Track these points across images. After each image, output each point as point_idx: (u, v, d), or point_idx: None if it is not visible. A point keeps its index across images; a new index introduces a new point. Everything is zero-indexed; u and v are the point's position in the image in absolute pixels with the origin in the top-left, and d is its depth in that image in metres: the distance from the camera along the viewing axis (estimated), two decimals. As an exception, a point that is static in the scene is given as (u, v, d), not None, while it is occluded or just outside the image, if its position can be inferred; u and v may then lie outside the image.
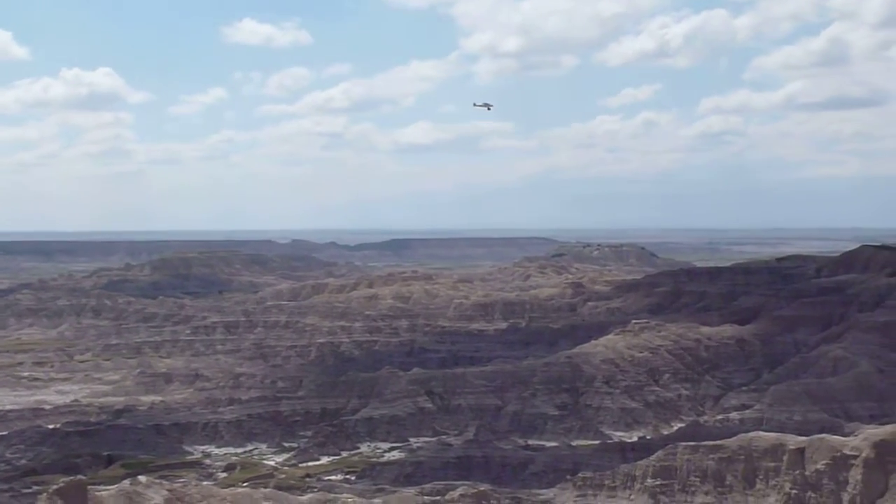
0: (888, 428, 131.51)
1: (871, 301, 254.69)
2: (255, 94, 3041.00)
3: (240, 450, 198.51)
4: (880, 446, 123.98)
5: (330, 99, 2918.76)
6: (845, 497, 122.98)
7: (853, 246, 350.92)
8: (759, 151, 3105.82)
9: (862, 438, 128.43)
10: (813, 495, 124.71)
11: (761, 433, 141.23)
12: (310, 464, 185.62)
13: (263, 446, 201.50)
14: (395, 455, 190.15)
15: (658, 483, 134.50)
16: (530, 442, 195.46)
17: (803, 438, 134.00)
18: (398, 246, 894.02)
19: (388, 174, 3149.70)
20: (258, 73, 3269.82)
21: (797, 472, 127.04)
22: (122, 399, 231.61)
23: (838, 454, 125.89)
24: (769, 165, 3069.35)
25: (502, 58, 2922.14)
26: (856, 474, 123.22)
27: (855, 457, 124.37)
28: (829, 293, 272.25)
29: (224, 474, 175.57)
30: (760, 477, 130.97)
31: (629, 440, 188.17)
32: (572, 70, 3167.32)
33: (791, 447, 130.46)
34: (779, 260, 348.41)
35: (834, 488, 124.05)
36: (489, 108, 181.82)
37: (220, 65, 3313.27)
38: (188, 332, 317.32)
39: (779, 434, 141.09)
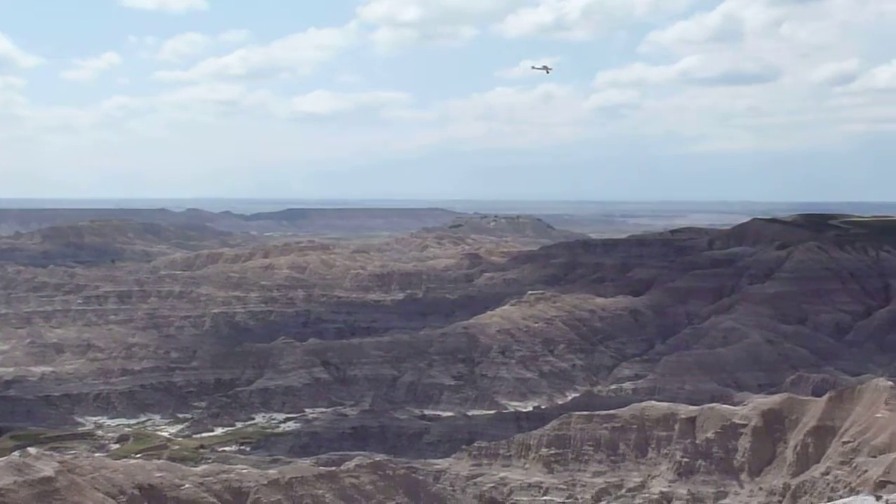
0: (776, 398, 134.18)
1: (762, 273, 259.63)
2: (150, 60, 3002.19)
3: (132, 421, 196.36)
4: (768, 415, 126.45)
5: (226, 66, 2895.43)
6: (734, 465, 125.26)
7: (745, 219, 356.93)
8: (654, 125, 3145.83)
9: (751, 408, 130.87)
10: (703, 463, 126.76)
11: (653, 403, 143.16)
12: (204, 435, 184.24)
13: (157, 417, 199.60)
14: (291, 426, 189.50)
15: (552, 452, 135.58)
16: (426, 412, 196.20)
17: (694, 408, 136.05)
18: (295, 216, 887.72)
19: (285, 143, 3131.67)
20: (153, 39, 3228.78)
21: (688, 440, 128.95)
22: (11, 370, 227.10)
23: (728, 423, 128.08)
24: (664, 139, 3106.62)
25: (401, 27, 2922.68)
26: (745, 443, 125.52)
27: (744, 426, 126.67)
28: (721, 265, 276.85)
29: (116, 446, 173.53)
30: (652, 446, 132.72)
31: (524, 410, 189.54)
32: (471, 41, 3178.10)
33: (682, 416, 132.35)
34: (672, 232, 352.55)
35: (723, 456, 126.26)
36: (548, 71, 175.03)
37: (113, 29, 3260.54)
38: (80, 301, 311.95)
39: (670, 404, 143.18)
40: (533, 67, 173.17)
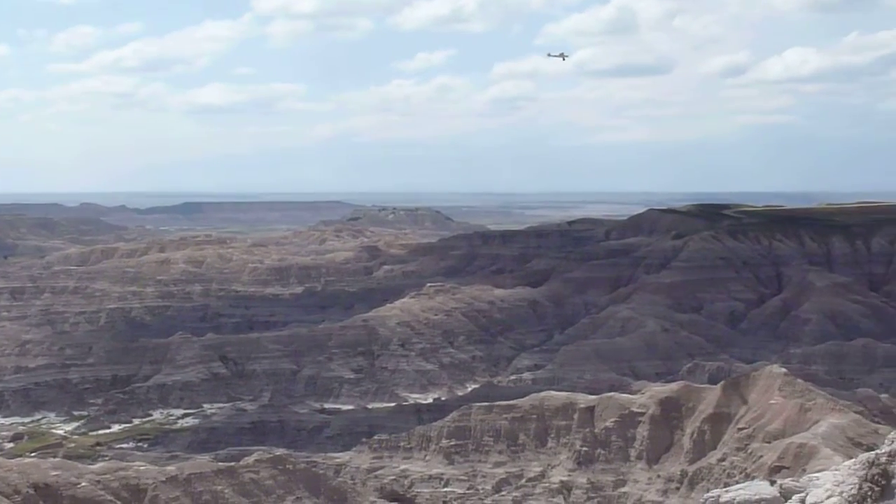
0: (673, 385, 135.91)
1: (658, 263, 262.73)
2: (42, 52, 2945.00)
3: (27, 419, 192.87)
4: (665, 403, 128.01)
5: (120, 58, 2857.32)
6: (632, 453, 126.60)
7: (641, 209, 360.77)
8: (551, 117, 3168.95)
9: (648, 396, 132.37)
10: (602, 452, 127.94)
11: (553, 393, 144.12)
12: (100, 432, 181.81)
13: (52, 415, 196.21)
14: (189, 422, 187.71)
15: (453, 443, 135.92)
16: (326, 406, 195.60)
17: (593, 397, 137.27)
18: (191, 209, 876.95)
19: (181, 136, 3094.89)
20: (44, 31, 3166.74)
21: (587, 429, 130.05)
22: None
23: (626, 412, 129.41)
24: (561, 130, 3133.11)
25: (296, 19, 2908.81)
26: (643, 431, 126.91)
27: (642, 414, 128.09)
28: (618, 255, 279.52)
29: (11, 444, 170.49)
30: (552, 435, 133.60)
31: (424, 402, 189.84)
32: (368, 33, 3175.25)
33: (581, 406, 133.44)
34: (570, 223, 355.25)
35: (622, 444, 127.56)
36: (564, 58, 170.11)
37: (3, 21, 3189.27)
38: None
39: (569, 393, 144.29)
40: (549, 55, 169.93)
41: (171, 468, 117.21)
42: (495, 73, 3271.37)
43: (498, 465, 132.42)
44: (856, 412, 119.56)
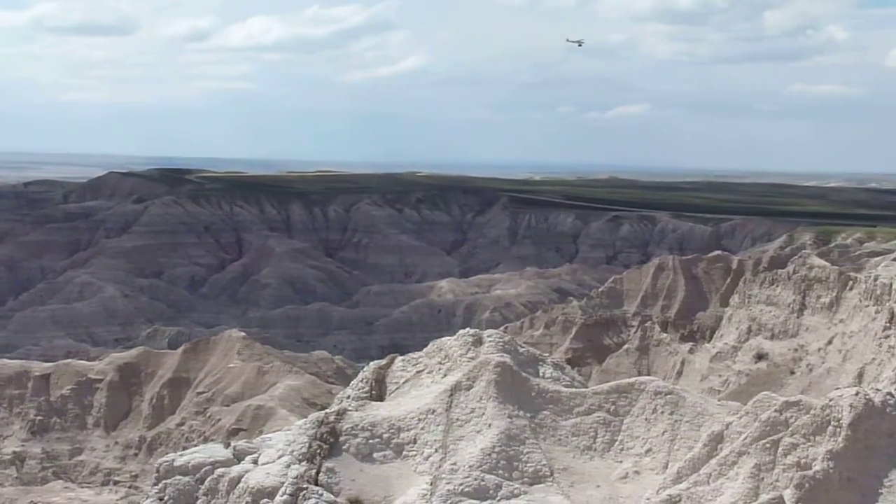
0: (132, 352, 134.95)
1: (118, 227, 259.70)
2: None
3: None
4: (124, 369, 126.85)
5: None
6: (90, 420, 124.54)
7: (101, 172, 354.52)
8: (6, 72, 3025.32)
9: (107, 362, 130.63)
10: (58, 420, 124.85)
11: (6, 361, 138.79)
12: None
13: None
14: None
15: None
16: None
17: (48, 364, 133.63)
18: None
19: None
20: None
21: (42, 398, 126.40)
22: None
23: (83, 379, 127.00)
24: (18, 87, 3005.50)
25: None
26: (100, 397, 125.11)
27: (100, 381, 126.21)
28: (77, 219, 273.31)
29: None
30: (4, 405, 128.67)
31: None
32: None
33: (36, 374, 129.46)
34: (26, 185, 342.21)
35: (79, 412, 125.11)
36: (580, 45, 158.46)
37: None
38: None
39: (24, 361, 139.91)
40: (568, 41, 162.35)
41: None
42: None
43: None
44: (311, 374, 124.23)
